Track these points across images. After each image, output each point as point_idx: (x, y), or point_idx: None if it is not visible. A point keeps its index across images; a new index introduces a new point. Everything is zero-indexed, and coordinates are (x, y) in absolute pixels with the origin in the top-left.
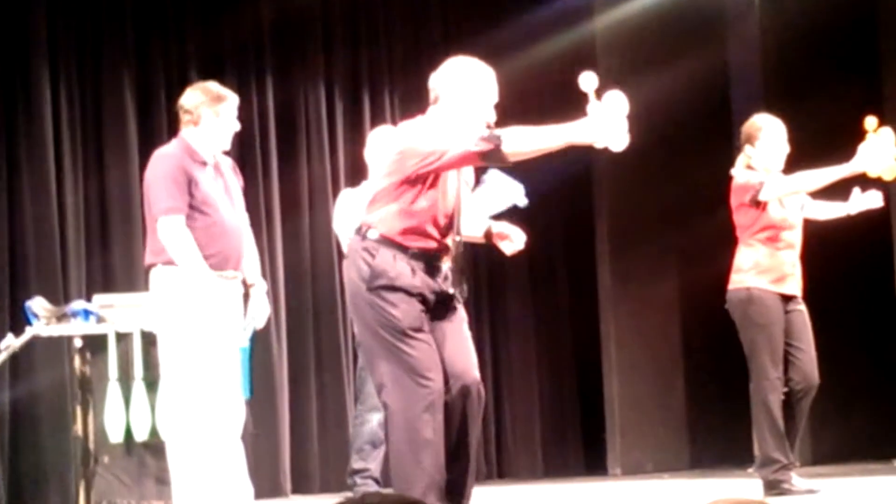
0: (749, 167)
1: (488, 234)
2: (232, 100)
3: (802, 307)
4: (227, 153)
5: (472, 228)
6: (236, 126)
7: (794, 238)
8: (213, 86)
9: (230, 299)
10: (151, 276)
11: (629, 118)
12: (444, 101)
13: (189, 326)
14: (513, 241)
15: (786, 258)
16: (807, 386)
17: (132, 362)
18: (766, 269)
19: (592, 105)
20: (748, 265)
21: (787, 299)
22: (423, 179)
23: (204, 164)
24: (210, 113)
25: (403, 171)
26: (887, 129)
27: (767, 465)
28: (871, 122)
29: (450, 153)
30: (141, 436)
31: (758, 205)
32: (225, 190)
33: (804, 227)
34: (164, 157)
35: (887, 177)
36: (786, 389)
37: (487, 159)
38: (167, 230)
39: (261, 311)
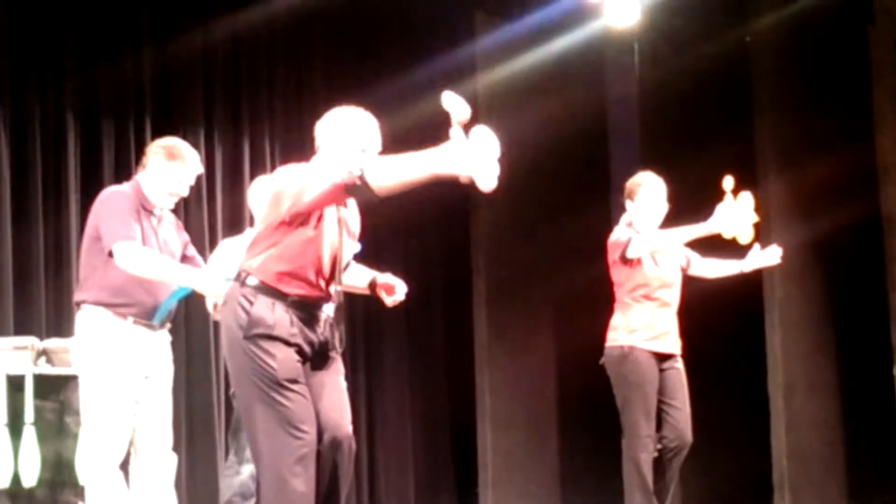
0: (629, 225)
1: (372, 285)
2: (188, 166)
3: (679, 365)
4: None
5: (356, 279)
6: (183, 191)
7: (671, 296)
8: (179, 144)
9: (157, 348)
10: (78, 315)
11: (505, 162)
12: (326, 149)
13: (110, 369)
14: (395, 292)
15: (661, 316)
16: (680, 444)
17: (23, 407)
18: (641, 327)
19: (456, 130)
20: (623, 323)
21: (663, 357)
22: (300, 222)
23: (150, 212)
24: (160, 165)
25: (279, 213)
26: (747, 193)
27: None
28: (728, 182)
29: (318, 187)
30: (29, 481)
31: (628, 262)
32: (160, 244)
33: (684, 285)
34: (118, 194)
35: (742, 240)
36: (659, 446)
37: (355, 192)
38: (128, 253)
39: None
